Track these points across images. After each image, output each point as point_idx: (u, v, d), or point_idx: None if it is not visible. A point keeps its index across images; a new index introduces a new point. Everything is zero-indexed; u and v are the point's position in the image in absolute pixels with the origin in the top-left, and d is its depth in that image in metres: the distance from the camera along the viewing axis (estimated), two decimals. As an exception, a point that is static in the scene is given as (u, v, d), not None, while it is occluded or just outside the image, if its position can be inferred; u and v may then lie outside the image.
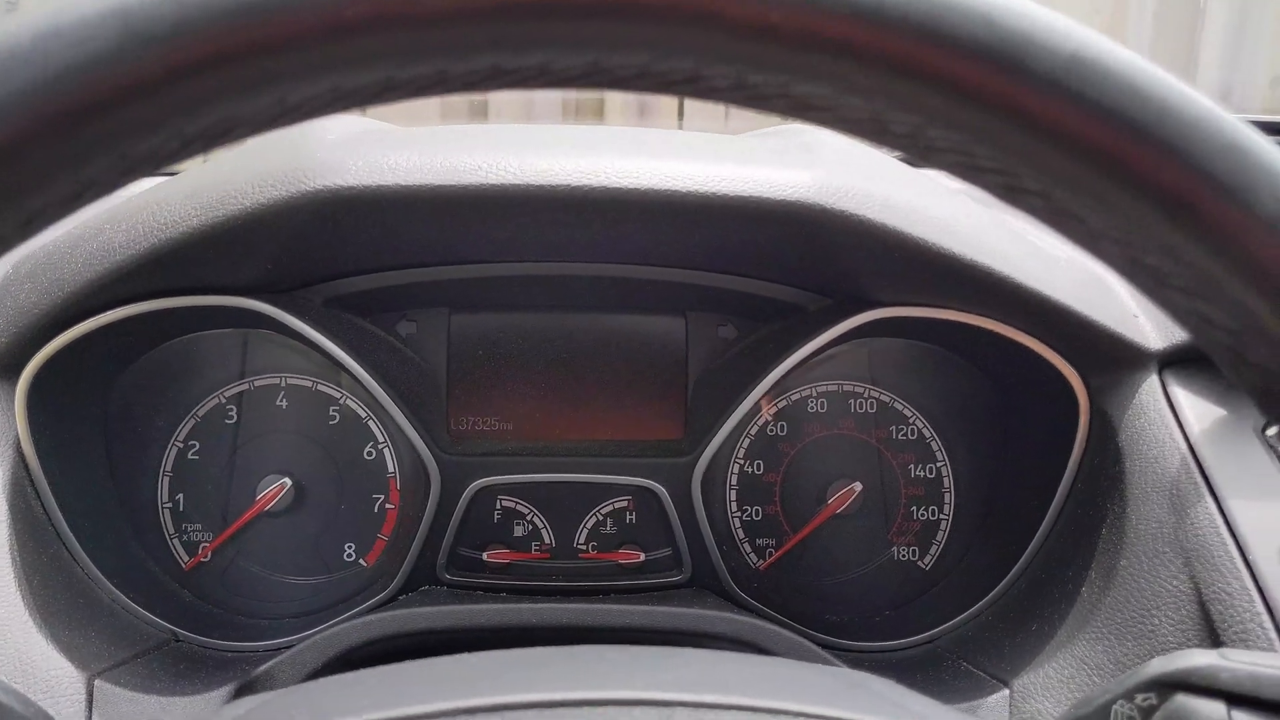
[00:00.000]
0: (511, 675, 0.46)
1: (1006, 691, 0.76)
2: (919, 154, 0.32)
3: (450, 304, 0.93)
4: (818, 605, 0.94)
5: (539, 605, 0.83)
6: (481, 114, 2.81)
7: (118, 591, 0.84)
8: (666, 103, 3.03)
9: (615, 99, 3.03)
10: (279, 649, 0.87)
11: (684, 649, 0.73)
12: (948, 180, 0.94)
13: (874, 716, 0.43)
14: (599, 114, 3.02)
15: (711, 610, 0.86)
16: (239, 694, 0.77)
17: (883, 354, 0.96)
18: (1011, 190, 0.32)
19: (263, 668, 0.79)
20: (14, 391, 0.79)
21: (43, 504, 0.81)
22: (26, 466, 0.80)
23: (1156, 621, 0.73)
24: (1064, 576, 0.80)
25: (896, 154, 0.93)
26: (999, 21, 0.28)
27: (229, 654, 0.87)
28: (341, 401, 0.94)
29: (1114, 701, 0.47)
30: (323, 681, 0.48)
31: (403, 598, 0.91)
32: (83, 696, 0.72)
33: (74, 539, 0.82)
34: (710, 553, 0.91)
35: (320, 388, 0.94)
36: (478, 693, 0.42)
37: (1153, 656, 0.70)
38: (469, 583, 0.92)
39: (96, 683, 0.74)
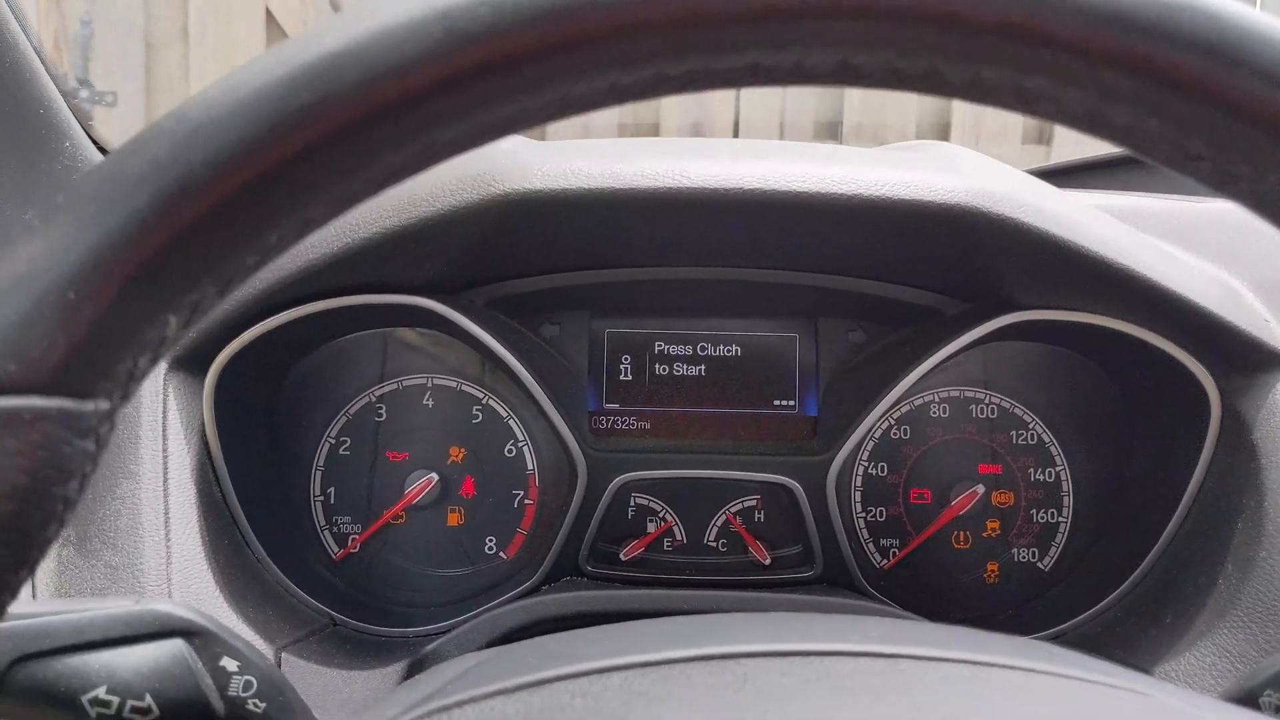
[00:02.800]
0: (729, 630, 0.49)
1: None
2: (1133, 145, 0.34)
3: (591, 308, 0.98)
4: (941, 603, 0.97)
5: (690, 593, 0.87)
6: (540, 135, 2.87)
7: (283, 576, 0.89)
8: (722, 126, 3.09)
9: (670, 120, 3.08)
10: (429, 635, 0.91)
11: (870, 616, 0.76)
12: (1082, 196, 0.99)
13: (1085, 671, 0.46)
14: (655, 133, 3.08)
15: (850, 599, 0.90)
16: (410, 671, 0.81)
17: (1001, 360, 0.99)
18: (1222, 177, 0.35)
19: (431, 646, 0.83)
20: (201, 384, 0.83)
21: (222, 491, 0.86)
22: (210, 455, 0.85)
23: (1297, 610, 0.76)
24: (1198, 570, 0.83)
25: (1029, 169, 0.97)
26: (1226, 20, 0.32)
27: (383, 639, 0.91)
28: (484, 401, 0.98)
29: (1262, 690, 0.51)
30: (537, 640, 0.51)
31: (546, 588, 0.94)
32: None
33: (248, 524, 0.87)
34: (842, 549, 0.94)
35: (464, 388, 0.99)
36: (702, 644, 0.45)
37: (1294, 644, 0.74)
38: (608, 575, 0.96)
39: (283, 655, 0.78)
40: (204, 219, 0.30)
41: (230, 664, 0.53)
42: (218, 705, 0.53)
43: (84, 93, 3.04)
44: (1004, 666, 0.45)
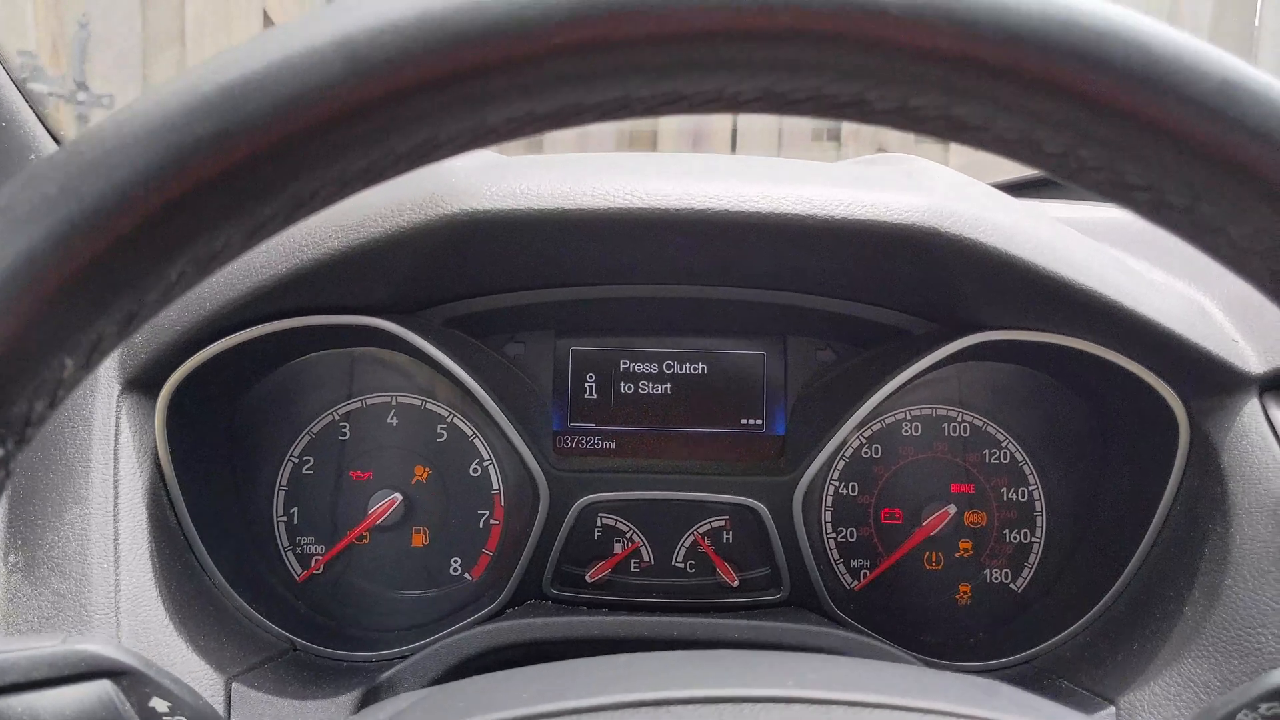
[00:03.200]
0: (665, 674, 0.48)
1: (1113, 709, 0.77)
2: (1066, 174, 0.34)
3: (556, 326, 0.97)
4: (913, 625, 0.96)
5: (653, 619, 0.86)
6: (537, 148, 2.86)
7: (241, 600, 0.88)
8: (720, 135, 3.08)
9: (669, 131, 3.07)
10: (391, 660, 0.90)
11: (815, 654, 0.75)
12: (1048, 208, 0.97)
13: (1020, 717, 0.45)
14: (652, 144, 3.07)
15: (814, 626, 0.88)
16: (365, 700, 0.80)
17: (974, 378, 0.98)
18: (1157, 206, 0.34)
19: (386, 674, 0.82)
20: (154, 406, 0.82)
21: (176, 514, 0.85)
22: (163, 478, 0.84)
23: (1263, 638, 0.74)
24: (1165, 596, 0.82)
25: (996, 182, 0.96)
26: (1157, 50, 0.31)
27: (344, 664, 0.90)
28: (449, 419, 0.97)
29: (1237, 711, 0.49)
30: (472, 680, 0.50)
31: (509, 611, 0.93)
32: (222, 698, 0.75)
33: (203, 548, 0.86)
34: (810, 571, 0.93)
35: (429, 406, 0.97)
36: (635, 690, 0.44)
37: (1259, 672, 0.72)
38: (573, 598, 0.94)
39: (233, 685, 0.77)
40: (98, 256, 0.29)
41: (160, 704, 0.52)
42: (146, 748, 0.52)
43: (81, 95, 3.04)
44: (942, 714, 0.44)
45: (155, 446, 0.83)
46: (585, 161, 0.83)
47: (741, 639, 0.86)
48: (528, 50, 0.29)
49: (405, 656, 0.89)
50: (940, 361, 0.87)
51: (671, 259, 0.85)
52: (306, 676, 0.84)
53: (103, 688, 0.52)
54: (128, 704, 0.52)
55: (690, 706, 0.43)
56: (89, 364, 0.32)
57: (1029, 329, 0.85)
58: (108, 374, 0.81)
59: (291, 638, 0.89)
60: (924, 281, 0.83)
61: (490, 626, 0.86)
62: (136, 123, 0.28)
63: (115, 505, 0.78)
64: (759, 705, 0.43)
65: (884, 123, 0.33)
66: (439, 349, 0.86)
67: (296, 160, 0.29)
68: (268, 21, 3.18)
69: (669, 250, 0.82)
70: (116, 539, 0.77)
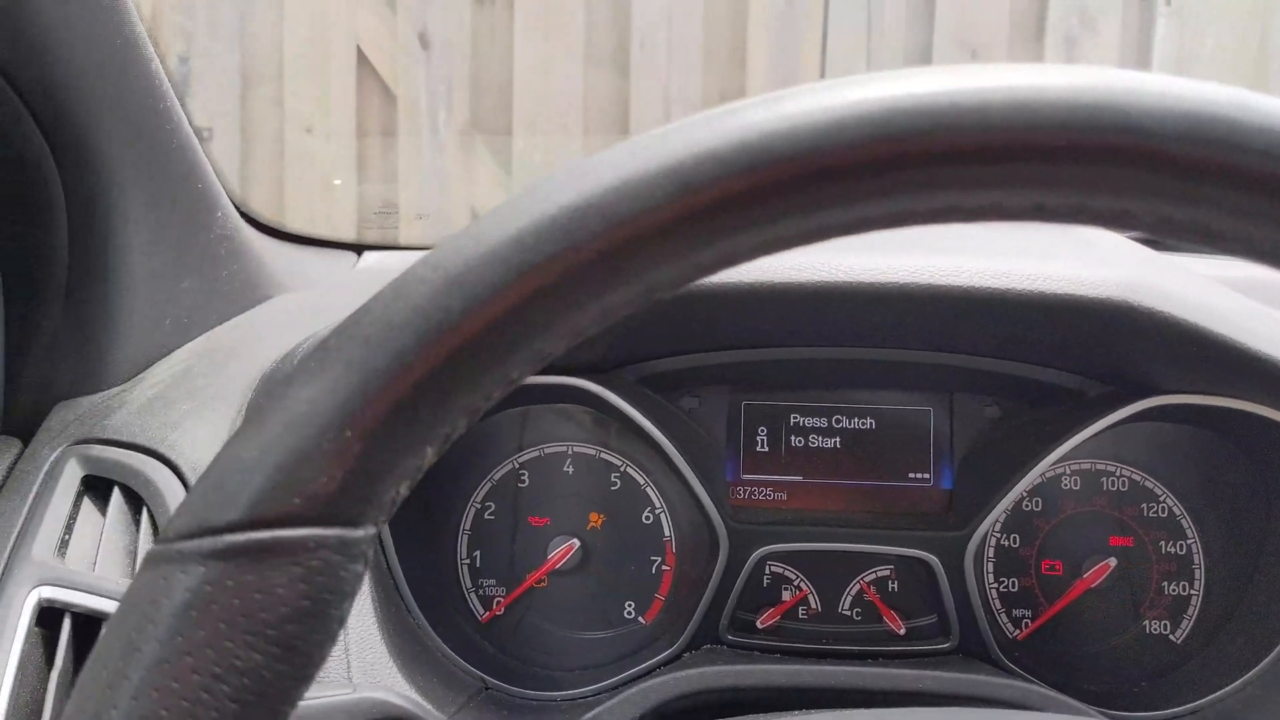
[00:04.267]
0: None
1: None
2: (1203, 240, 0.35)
3: (730, 382, 1.01)
4: (1076, 674, 0.99)
5: (837, 669, 0.90)
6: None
7: (439, 640, 0.93)
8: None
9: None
10: (576, 699, 0.94)
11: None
12: (1188, 263, 1.00)
13: None
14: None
15: (988, 676, 0.92)
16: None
17: (1133, 434, 1.00)
18: None
19: (588, 716, 0.86)
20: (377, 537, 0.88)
21: (387, 560, 0.90)
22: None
23: None
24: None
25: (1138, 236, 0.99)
26: None
27: (534, 703, 0.94)
28: (623, 468, 1.02)
29: None
30: None
31: (687, 656, 0.97)
32: (447, 737, 0.80)
33: (408, 588, 0.91)
34: (979, 621, 0.96)
35: (603, 455, 1.02)
36: None
37: None
38: (746, 643, 0.98)
39: (453, 724, 0.82)
40: (458, 358, 0.33)
41: (439, 749, 0.57)
42: (426, 787, 0.56)
43: (183, 130, 3.13)
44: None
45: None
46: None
47: (922, 689, 0.89)
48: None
49: (589, 696, 0.93)
50: (1115, 423, 0.90)
51: (856, 324, 0.89)
52: (506, 716, 0.89)
53: (393, 734, 0.57)
54: (411, 748, 0.56)
55: None
56: (440, 451, 0.36)
57: (1205, 393, 0.88)
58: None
59: (483, 676, 0.94)
60: (1106, 348, 0.86)
61: (680, 674, 0.90)
62: (490, 240, 0.33)
63: None
64: None
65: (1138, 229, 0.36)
66: (633, 406, 0.91)
67: (615, 274, 0.33)
68: (362, 59, 3.26)
69: (853, 317, 0.86)
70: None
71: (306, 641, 0.33)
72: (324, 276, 1.42)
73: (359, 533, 0.34)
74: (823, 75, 3.07)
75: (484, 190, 3.22)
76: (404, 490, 0.35)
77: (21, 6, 0.81)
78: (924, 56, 3.16)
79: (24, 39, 0.83)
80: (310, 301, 1.24)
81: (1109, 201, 0.33)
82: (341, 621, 0.34)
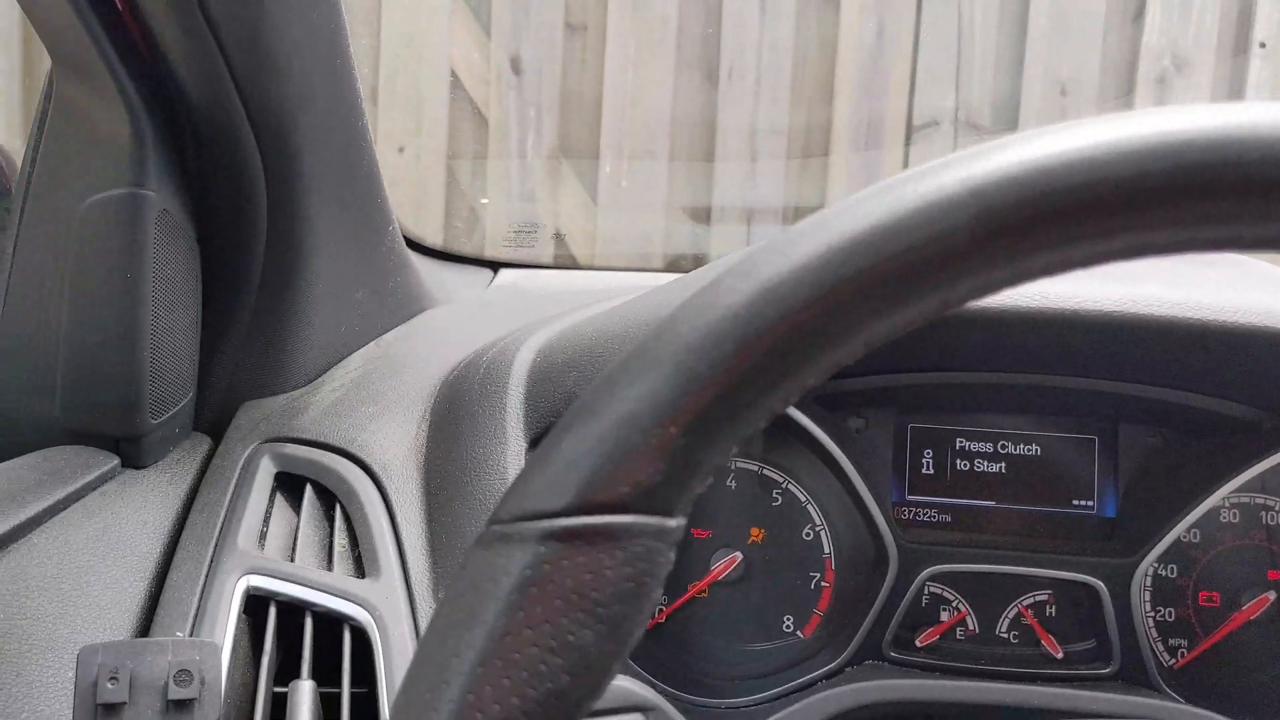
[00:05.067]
0: None
1: None
2: None
3: (896, 404, 1.03)
4: (1233, 704, 0.99)
5: (997, 686, 0.92)
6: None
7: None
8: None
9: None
10: (738, 707, 0.97)
11: None
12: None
13: None
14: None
15: (1148, 699, 0.93)
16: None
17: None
18: None
19: None
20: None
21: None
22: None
23: None
24: None
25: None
26: None
27: (699, 708, 0.97)
28: (784, 485, 1.04)
29: None
30: None
31: (849, 670, 0.99)
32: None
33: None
34: (1141, 647, 0.98)
35: (765, 472, 1.05)
36: None
37: None
38: (907, 660, 1.00)
39: (647, 724, 0.84)
40: (769, 364, 0.36)
41: (675, 739, 0.60)
42: (665, 774, 0.59)
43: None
44: None
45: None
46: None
47: (1083, 709, 0.91)
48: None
49: (752, 705, 0.96)
50: (1292, 456, 0.92)
51: (1017, 349, 0.92)
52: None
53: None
54: (651, 735, 0.59)
55: None
56: (740, 448, 0.39)
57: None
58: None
59: (652, 680, 0.97)
60: (1283, 379, 0.88)
61: (850, 687, 0.92)
62: (799, 254, 0.36)
63: None
64: None
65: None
66: (813, 422, 0.94)
67: (908, 289, 0.35)
68: (455, 81, 3.33)
69: (1024, 342, 0.88)
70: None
71: (629, 620, 0.36)
72: (464, 291, 1.46)
73: (673, 522, 0.37)
74: (910, 110, 3.10)
75: (567, 211, 3.27)
76: (706, 484, 0.38)
77: (264, 22, 0.86)
78: (1013, 93, 3.17)
79: (262, 54, 0.88)
80: (464, 314, 1.29)
81: None
82: (656, 603, 0.37)
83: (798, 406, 0.94)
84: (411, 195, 3.33)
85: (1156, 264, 0.91)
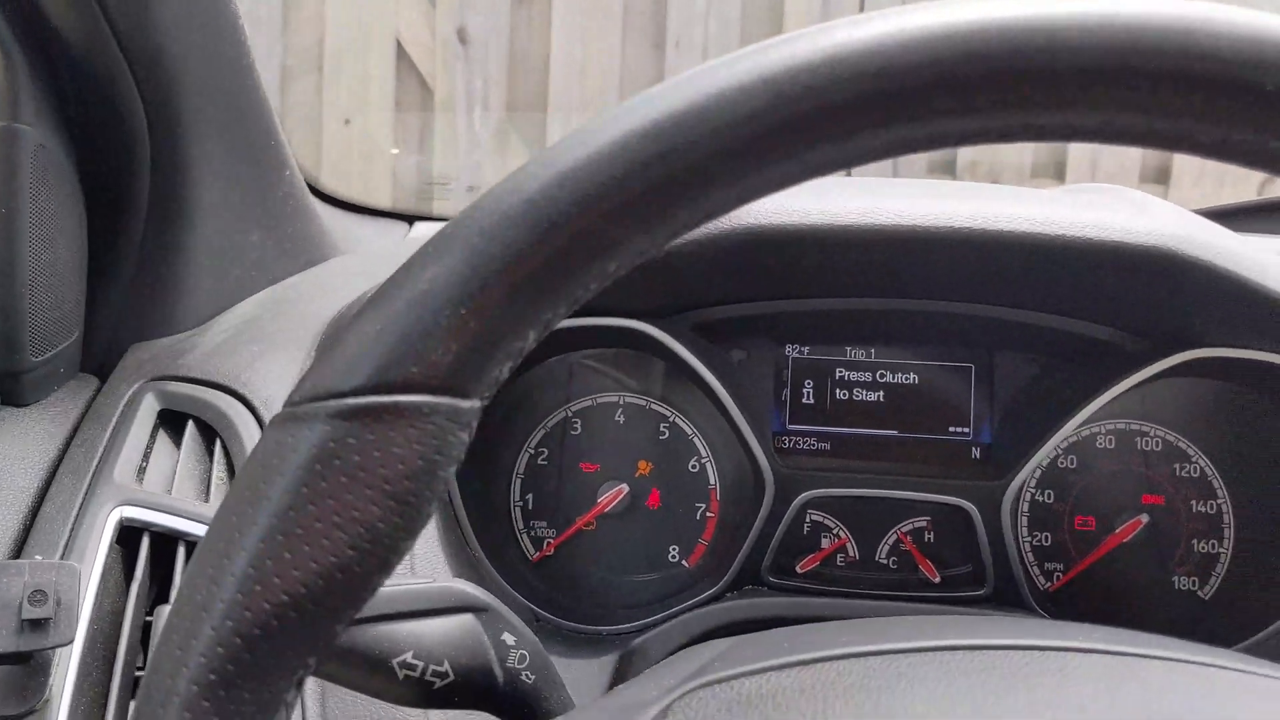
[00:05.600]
0: (971, 626, 0.55)
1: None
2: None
3: (777, 334, 1.05)
4: (1104, 625, 1.02)
5: (876, 604, 0.93)
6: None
7: (495, 573, 0.97)
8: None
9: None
10: (622, 634, 0.98)
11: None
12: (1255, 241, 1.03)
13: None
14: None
15: (1024, 619, 0.95)
16: (621, 662, 0.89)
17: (1166, 395, 1.04)
18: None
19: (638, 641, 0.90)
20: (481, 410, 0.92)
21: (449, 492, 0.94)
22: (440, 458, 0.93)
23: None
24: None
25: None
26: None
27: (582, 635, 0.98)
28: (671, 419, 1.06)
29: None
30: (772, 632, 0.58)
31: (729, 595, 1.01)
32: (506, 653, 0.84)
33: (469, 524, 0.95)
34: (1014, 570, 1.00)
35: (653, 406, 1.06)
36: (951, 637, 0.51)
37: None
38: (786, 585, 1.02)
39: (512, 643, 0.86)
40: (565, 249, 0.37)
41: (509, 638, 0.61)
42: (499, 674, 0.60)
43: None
44: (1230, 669, 0.51)
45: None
46: (836, 184, 0.91)
47: None
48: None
49: (634, 631, 0.97)
50: (1152, 376, 0.93)
51: (904, 273, 0.93)
52: (559, 642, 0.93)
53: (469, 620, 0.61)
54: (485, 636, 0.60)
55: (998, 651, 0.50)
56: (540, 336, 0.40)
57: (1245, 347, 0.91)
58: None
59: (534, 608, 0.98)
60: (1150, 300, 0.90)
61: (722, 605, 0.94)
62: (600, 139, 0.36)
63: None
64: (1064, 654, 0.50)
65: (1201, 154, 0.37)
66: (690, 352, 0.95)
67: (711, 177, 0.36)
68: (401, 51, 3.32)
69: (912, 265, 0.90)
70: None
71: (418, 498, 0.37)
72: (378, 243, 1.46)
73: (467, 404, 0.37)
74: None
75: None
76: (506, 371, 0.39)
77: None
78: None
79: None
80: (370, 263, 1.29)
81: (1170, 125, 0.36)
82: (445, 485, 0.38)
83: (677, 338, 0.96)
84: (359, 167, 3.32)
85: (1035, 191, 0.92)
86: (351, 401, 0.36)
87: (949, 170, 3.12)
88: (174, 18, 0.94)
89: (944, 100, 0.35)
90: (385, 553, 0.37)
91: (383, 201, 3.16)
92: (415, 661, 0.58)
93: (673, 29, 3.21)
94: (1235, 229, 1.15)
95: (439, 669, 0.58)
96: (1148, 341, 0.96)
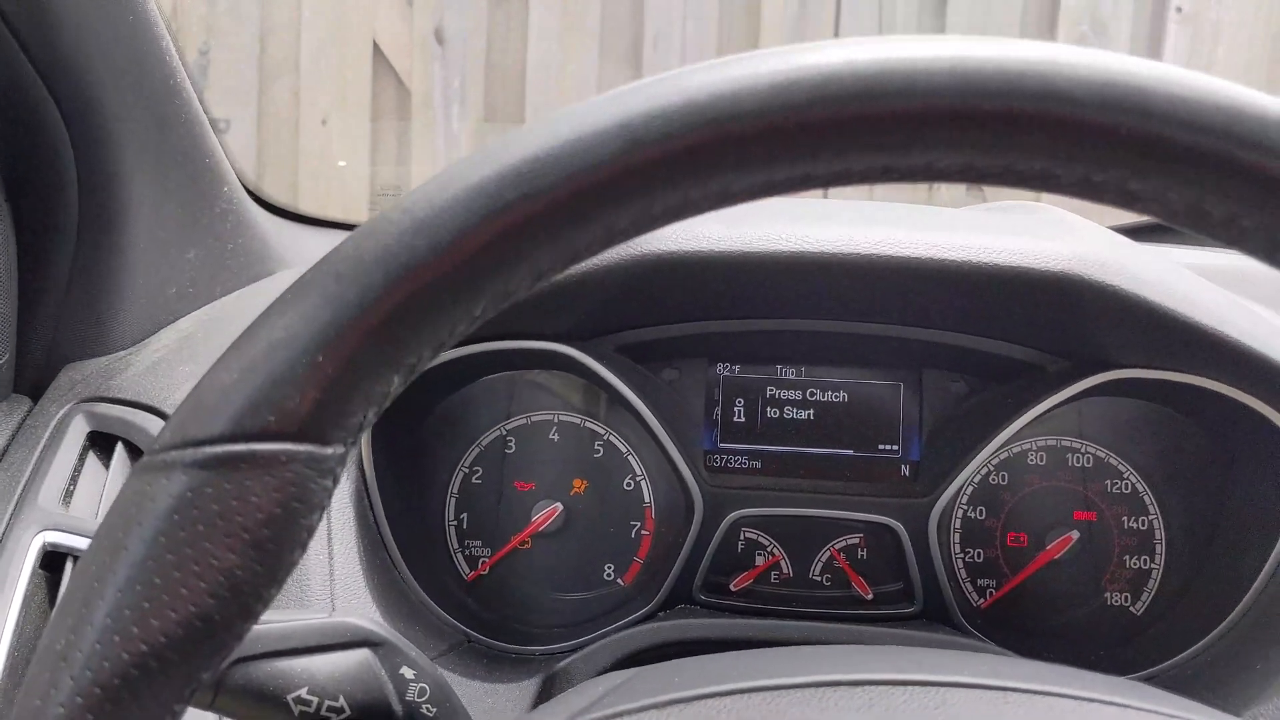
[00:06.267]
0: (857, 659, 0.55)
1: (1240, 721, 0.83)
2: (1230, 239, 0.38)
3: (708, 354, 1.05)
4: (1036, 642, 1.02)
5: (806, 624, 0.94)
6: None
7: (424, 594, 0.97)
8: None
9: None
10: (554, 654, 0.98)
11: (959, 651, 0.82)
12: (1170, 252, 1.03)
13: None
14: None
15: (951, 637, 0.95)
16: (545, 685, 0.89)
17: (1097, 413, 1.04)
18: None
19: (563, 664, 0.90)
20: (347, 456, 0.92)
21: (374, 514, 0.94)
22: (365, 482, 0.94)
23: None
24: (1289, 620, 0.88)
25: (1117, 226, 1.02)
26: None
27: (513, 655, 0.98)
28: (606, 437, 1.06)
29: None
30: (672, 664, 0.58)
31: (661, 615, 1.01)
32: (424, 679, 0.84)
33: (395, 545, 0.96)
34: (942, 588, 1.00)
35: (588, 424, 1.06)
36: (835, 671, 0.52)
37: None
38: (719, 604, 1.02)
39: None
40: (425, 294, 0.37)
41: (408, 672, 0.61)
42: (397, 708, 0.60)
43: (202, 120, 3.18)
44: (1107, 703, 0.51)
45: (361, 451, 0.93)
46: (756, 210, 0.91)
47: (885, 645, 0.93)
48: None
49: (568, 651, 0.97)
50: (1073, 396, 0.94)
51: (826, 296, 0.93)
52: (486, 664, 0.93)
53: (364, 655, 0.61)
54: (383, 670, 0.60)
55: (880, 687, 0.50)
56: (407, 380, 0.40)
57: (1159, 368, 0.91)
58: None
59: (466, 631, 0.98)
60: (1062, 322, 0.90)
61: (652, 626, 0.94)
62: (455, 188, 0.36)
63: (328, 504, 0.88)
64: (944, 690, 0.50)
65: (1064, 193, 0.39)
66: (612, 373, 0.95)
67: (573, 220, 0.36)
68: (378, 53, 3.32)
69: (831, 289, 0.90)
70: (329, 534, 0.86)
71: (278, 545, 0.37)
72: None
73: (328, 450, 0.37)
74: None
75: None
76: (372, 415, 0.39)
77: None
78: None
79: (36, 6, 0.87)
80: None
81: (1035, 163, 0.37)
82: (311, 531, 0.38)
83: (600, 360, 0.96)
84: (334, 169, 3.31)
85: (954, 215, 0.92)
86: (209, 450, 0.36)
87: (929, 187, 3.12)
88: (80, 27, 0.93)
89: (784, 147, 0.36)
90: (247, 600, 0.37)
91: (359, 204, 3.16)
92: (310, 697, 0.58)
93: (649, 31, 3.21)
94: (1173, 240, 1.15)
95: (334, 704, 0.59)
96: (1068, 363, 0.96)
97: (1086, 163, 0.36)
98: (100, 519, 0.85)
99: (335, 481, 0.38)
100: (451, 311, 0.38)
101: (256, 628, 0.59)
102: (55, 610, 0.38)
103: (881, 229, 0.85)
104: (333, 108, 3.33)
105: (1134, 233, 1.08)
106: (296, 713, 0.57)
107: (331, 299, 0.36)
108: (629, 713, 0.50)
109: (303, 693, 0.57)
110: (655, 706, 0.50)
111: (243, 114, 3.32)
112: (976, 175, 0.38)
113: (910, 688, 0.50)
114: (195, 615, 0.35)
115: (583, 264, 0.86)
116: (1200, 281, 0.90)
